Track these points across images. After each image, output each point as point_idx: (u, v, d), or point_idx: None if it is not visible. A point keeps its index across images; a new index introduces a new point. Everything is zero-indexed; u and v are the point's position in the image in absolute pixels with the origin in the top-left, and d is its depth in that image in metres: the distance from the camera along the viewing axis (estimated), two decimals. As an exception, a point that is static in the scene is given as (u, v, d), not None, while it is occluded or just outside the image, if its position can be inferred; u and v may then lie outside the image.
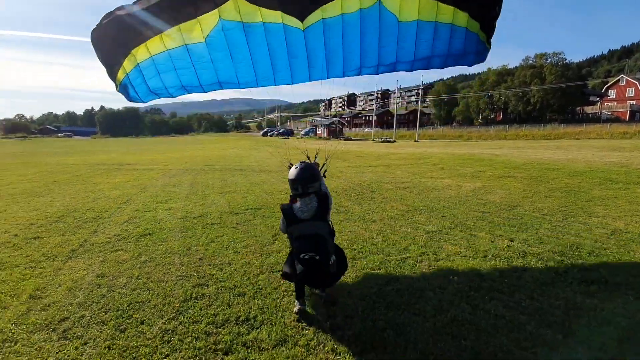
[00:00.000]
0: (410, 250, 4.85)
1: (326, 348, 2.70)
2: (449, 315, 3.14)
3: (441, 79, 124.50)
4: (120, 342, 2.76)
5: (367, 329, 2.93)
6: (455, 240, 5.30)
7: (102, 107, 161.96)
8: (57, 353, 2.64)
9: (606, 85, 70.33)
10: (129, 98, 4.42)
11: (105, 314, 3.18)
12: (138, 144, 54.94)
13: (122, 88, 4.31)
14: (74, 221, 6.49)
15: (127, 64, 3.94)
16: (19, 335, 2.87)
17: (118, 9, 3.46)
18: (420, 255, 4.65)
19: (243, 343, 2.75)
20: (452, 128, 65.64)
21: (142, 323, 3.03)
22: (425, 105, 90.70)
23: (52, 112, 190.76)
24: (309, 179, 3.05)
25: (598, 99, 68.38)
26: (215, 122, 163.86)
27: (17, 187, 10.81)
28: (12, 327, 2.98)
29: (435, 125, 78.06)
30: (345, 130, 74.07)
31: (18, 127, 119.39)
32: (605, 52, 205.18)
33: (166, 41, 3.51)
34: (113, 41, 3.81)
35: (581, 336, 2.85)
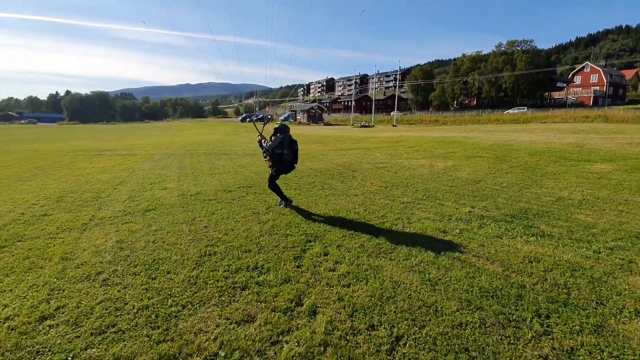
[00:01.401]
0: (387, 217, 5.64)
1: (322, 283, 3.44)
2: (417, 259, 3.95)
3: (418, 65, 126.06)
4: (155, 286, 3.38)
5: (353, 270, 3.69)
6: (426, 208, 6.15)
7: (67, 92, 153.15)
8: (103, 295, 3.23)
9: (572, 72, 73.82)
10: None
11: (135, 267, 3.78)
12: (111, 130, 53.19)
13: None
14: (74, 201, 6.87)
15: None
16: (64, 285, 3.42)
17: None
18: (395, 220, 5.46)
19: (256, 282, 3.44)
20: (429, 113, 67.35)
21: (168, 272, 3.66)
22: (403, 90, 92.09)
23: (13, 98, 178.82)
24: (282, 130, 5.91)
25: (565, 84, 71.82)
26: (190, 108, 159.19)
27: (1, 172, 10.81)
28: (55, 281, 3.53)
29: (413, 110, 79.71)
30: (325, 115, 74.37)
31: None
32: (573, 39, 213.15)
33: None
34: None
35: (516, 269, 3.73)
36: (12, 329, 2.75)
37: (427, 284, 3.40)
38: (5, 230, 5.09)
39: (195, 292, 3.26)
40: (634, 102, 64.19)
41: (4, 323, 2.83)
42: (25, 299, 3.19)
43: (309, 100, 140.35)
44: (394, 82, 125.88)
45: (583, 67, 71.31)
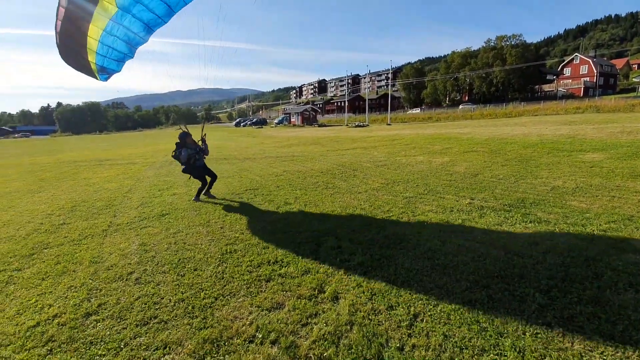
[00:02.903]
0: (392, 211, 5.94)
1: (340, 272, 3.72)
2: (425, 248, 4.25)
3: (409, 63, 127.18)
4: (186, 282, 3.64)
5: (367, 260, 3.98)
6: (428, 202, 6.45)
7: (59, 104, 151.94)
8: (139, 292, 3.48)
9: (562, 64, 74.88)
10: (107, 76, 6.29)
11: (163, 267, 4.03)
12: (106, 140, 53.10)
13: (101, 74, 6.16)
14: (88, 209, 7.08)
15: (91, 58, 5.56)
16: (100, 286, 3.67)
17: (57, 18, 4.75)
18: (401, 214, 5.75)
19: (279, 274, 3.72)
20: (422, 110, 67.99)
21: (195, 270, 3.92)
22: (395, 89, 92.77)
23: (5, 112, 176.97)
24: (182, 139, 7.08)
25: (554, 77, 72.89)
26: (183, 114, 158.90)
27: (8, 186, 10.96)
28: (90, 282, 3.77)
29: (406, 109, 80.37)
30: (318, 117, 74.71)
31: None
32: (562, 31, 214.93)
33: (98, 24, 4.84)
34: (73, 51, 5.46)
35: (517, 252, 4.03)
36: (62, 325, 2.99)
37: (437, 268, 3.69)
38: (29, 239, 5.31)
39: (224, 286, 3.52)
40: (625, 90, 65.22)
41: (53, 320, 3.08)
42: (67, 298, 3.43)
43: (302, 102, 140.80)
44: (385, 81, 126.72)
45: (572, 59, 72.34)
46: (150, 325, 2.92)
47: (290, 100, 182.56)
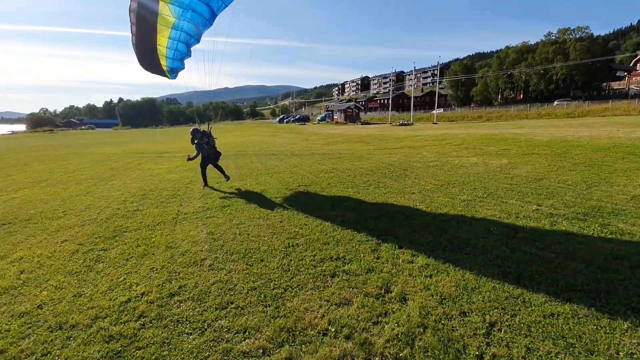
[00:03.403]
0: (451, 214, 5.75)
1: (404, 273, 3.69)
2: (493, 254, 4.07)
3: (457, 59, 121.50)
4: (255, 271, 3.83)
5: (431, 262, 3.90)
6: (489, 206, 6.15)
7: (120, 99, 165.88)
8: (214, 278, 3.73)
9: (635, 59, 67.13)
10: (175, 75, 7.96)
11: (232, 255, 4.27)
12: (161, 134, 56.94)
13: (171, 74, 7.80)
14: (157, 198, 7.67)
15: (163, 62, 7.08)
16: (178, 269, 3.98)
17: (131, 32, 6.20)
18: (461, 217, 5.55)
19: (343, 271, 3.77)
20: (471, 109, 64.66)
21: (262, 261, 4.10)
22: (442, 86, 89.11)
23: (73, 105, 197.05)
24: (192, 134, 8.54)
25: (626, 73, 65.66)
26: (230, 111, 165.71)
27: (83, 174, 12.19)
28: (169, 265, 4.10)
29: (453, 107, 76.91)
30: (361, 114, 73.90)
31: (43, 121, 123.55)
32: (635, 22, 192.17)
33: (164, 34, 6.16)
34: (148, 58, 7.04)
35: (599, 265, 3.72)
36: (150, 302, 3.29)
37: (509, 277, 3.53)
38: (111, 223, 5.89)
39: (292, 278, 3.65)
40: None
41: (142, 297, 3.39)
42: (150, 279, 3.77)
43: (344, 99, 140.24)
44: (431, 77, 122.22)
45: (648, 54, 64.52)
46: (229, 309, 3.11)
47: (333, 97, 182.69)
